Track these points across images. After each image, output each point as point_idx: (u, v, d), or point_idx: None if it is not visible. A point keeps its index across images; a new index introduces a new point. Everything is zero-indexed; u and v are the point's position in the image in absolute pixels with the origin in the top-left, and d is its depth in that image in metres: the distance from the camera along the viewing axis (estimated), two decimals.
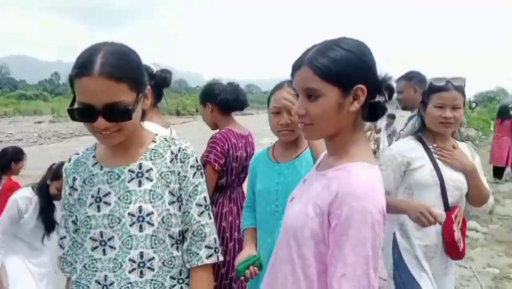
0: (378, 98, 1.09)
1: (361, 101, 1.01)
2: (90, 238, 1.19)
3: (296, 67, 1.06)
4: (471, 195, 1.98)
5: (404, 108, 3.19)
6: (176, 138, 1.31)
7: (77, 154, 1.33)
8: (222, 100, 2.30)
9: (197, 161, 1.27)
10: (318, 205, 1.01)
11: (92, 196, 1.20)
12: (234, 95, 2.33)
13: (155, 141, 1.27)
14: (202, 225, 1.24)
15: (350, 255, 0.93)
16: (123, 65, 1.10)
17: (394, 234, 2.00)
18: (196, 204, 1.24)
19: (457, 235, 1.90)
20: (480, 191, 1.97)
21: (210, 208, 1.29)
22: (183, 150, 1.25)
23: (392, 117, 10.36)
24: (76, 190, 1.25)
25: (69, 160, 1.33)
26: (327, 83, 0.99)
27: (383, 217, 0.97)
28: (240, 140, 2.31)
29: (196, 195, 1.24)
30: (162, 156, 1.24)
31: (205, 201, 1.27)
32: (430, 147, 1.97)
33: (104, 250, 1.18)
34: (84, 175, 1.25)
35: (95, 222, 1.17)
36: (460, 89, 1.91)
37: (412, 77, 3.11)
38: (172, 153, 1.24)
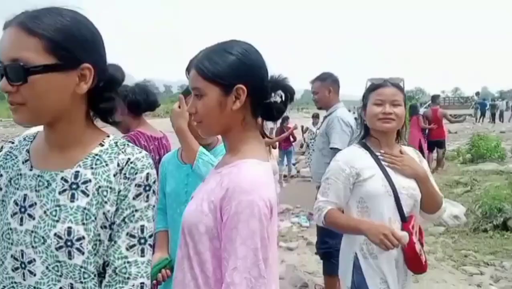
0: (274, 98, 1.16)
1: (242, 101, 1.07)
2: (11, 255, 0.94)
3: (189, 68, 1.17)
4: (424, 202, 1.86)
5: (320, 108, 3.31)
6: (131, 145, 1.03)
7: (12, 142, 1.06)
8: (131, 102, 2.22)
9: (147, 179, 0.98)
10: (212, 201, 1.05)
11: (16, 203, 0.95)
12: (143, 96, 2.26)
13: (102, 145, 1.00)
14: (128, 262, 0.95)
15: (241, 248, 0.98)
16: (49, 22, 0.88)
17: (355, 254, 1.82)
18: (128, 234, 0.96)
19: (418, 246, 1.79)
20: (433, 196, 1.86)
21: (148, 243, 0.99)
22: (131, 162, 0.97)
23: (317, 117, 10.80)
24: (1, 189, 0.99)
25: (0, 148, 1.07)
26: (209, 83, 1.06)
27: (270, 210, 1.03)
28: (151, 143, 2.24)
29: (131, 222, 0.96)
30: (106, 166, 0.97)
31: (142, 232, 0.97)
32: (378, 153, 1.85)
33: (24, 274, 0.93)
34: (12, 172, 0.99)
35: (17, 237, 0.93)
36: (399, 87, 1.87)
37: (326, 78, 3.23)
38: (118, 164, 0.97)
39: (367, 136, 1.93)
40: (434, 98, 10.19)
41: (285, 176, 11.05)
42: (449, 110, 31.41)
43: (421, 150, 9.51)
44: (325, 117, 3.22)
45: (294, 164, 11.86)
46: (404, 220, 1.76)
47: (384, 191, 1.76)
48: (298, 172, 11.50)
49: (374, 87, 1.87)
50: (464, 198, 6.70)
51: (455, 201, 6.38)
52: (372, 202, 1.79)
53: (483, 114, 28.82)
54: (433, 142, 9.56)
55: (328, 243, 3.19)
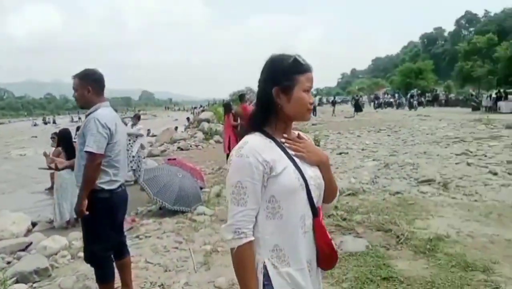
0: None
1: None
2: None
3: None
4: (326, 190, 1.65)
5: (81, 107, 3.19)
6: None
7: None
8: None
9: None
10: None
11: None
12: None
13: None
14: None
15: None
16: None
17: (264, 265, 1.51)
18: None
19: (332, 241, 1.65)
20: (333, 183, 1.69)
21: None
22: None
23: (138, 118, 10.63)
24: None
25: None
26: None
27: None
28: None
29: None
30: None
31: None
32: (281, 140, 1.57)
33: None
34: None
35: None
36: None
37: (85, 76, 3.13)
38: None
39: (268, 122, 1.58)
40: (242, 96, 10.78)
41: None
42: None
43: (229, 147, 10.19)
44: (86, 117, 3.12)
45: None
46: (316, 214, 1.57)
47: (298, 184, 1.51)
48: None
49: (303, 69, 1.53)
50: None
51: None
52: (285, 200, 1.50)
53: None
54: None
55: (92, 248, 3.18)
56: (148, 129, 25.45)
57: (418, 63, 49.21)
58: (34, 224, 7.31)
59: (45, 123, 56.56)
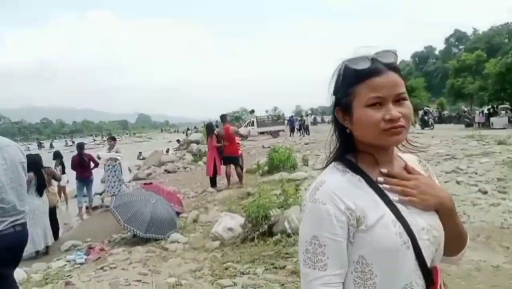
0: None
1: None
2: None
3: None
4: (448, 241, 1.18)
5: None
6: None
7: None
8: None
9: None
10: None
11: None
12: None
13: None
14: None
15: None
16: None
17: None
18: None
19: None
20: (459, 230, 1.20)
21: None
22: None
23: (113, 139, 10.32)
24: None
25: None
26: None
27: None
28: None
29: None
30: None
31: None
32: (379, 178, 1.13)
33: None
34: None
35: None
36: (397, 68, 1.12)
37: None
38: None
39: (351, 151, 1.16)
40: (223, 117, 10.56)
41: (87, 208, 10.18)
42: (266, 128, 34.70)
43: (215, 169, 9.91)
44: None
45: (99, 194, 11.05)
46: (430, 282, 1.11)
47: (400, 242, 1.05)
48: (102, 201, 10.69)
49: (362, 74, 1.07)
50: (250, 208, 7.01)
51: (238, 213, 6.67)
52: (381, 263, 1.07)
53: (292, 130, 32.34)
54: (228, 158, 9.96)
55: None
56: (140, 152, 25.17)
57: (410, 81, 49.51)
58: None
59: (40, 147, 56.06)
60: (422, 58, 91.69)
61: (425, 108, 33.37)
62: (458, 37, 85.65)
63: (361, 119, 1.06)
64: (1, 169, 2.87)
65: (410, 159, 1.24)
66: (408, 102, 1.07)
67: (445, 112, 40.82)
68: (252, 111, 38.65)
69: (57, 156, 10.66)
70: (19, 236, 2.97)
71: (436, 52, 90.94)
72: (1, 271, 2.99)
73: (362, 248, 1.06)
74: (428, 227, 1.09)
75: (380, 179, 1.11)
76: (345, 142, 1.16)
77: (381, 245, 1.04)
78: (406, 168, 1.17)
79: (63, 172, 10.78)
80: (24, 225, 3.04)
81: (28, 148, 53.45)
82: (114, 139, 10.34)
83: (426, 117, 29.30)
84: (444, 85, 47.53)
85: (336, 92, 1.14)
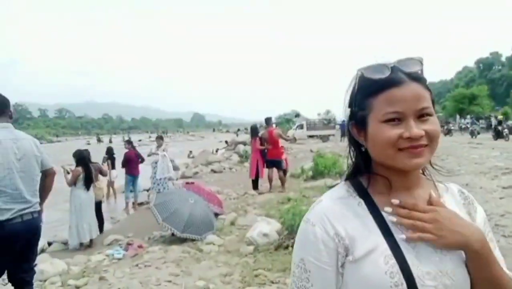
0: None
1: None
2: None
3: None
4: None
5: None
6: None
7: None
8: None
9: None
10: None
11: None
12: None
13: None
14: None
15: None
16: None
17: None
18: None
19: None
20: (496, 282, 0.93)
21: None
22: None
23: (161, 138, 10.55)
24: None
25: None
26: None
27: None
28: None
29: None
30: None
31: None
32: (386, 209, 0.95)
33: None
34: None
35: None
36: (421, 79, 0.94)
37: None
38: None
39: (364, 172, 1.01)
40: (267, 120, 10.49)
41: (133, 203, 10.53)
42: (316, 131, 34.23)
43: (257, 172, 9.86)
44: None
45: (146, 190, 11.38)
46: None
47: (390, 282, 0.87)
48: (148, 197, 11.00)
49: (379, 85, 0.93)
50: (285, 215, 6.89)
51: (276, 218, 6.57)
52: None
53: (343, 134, 31.62)
54: (270, 161, 9.88)
55: None
56: (190, 151, 25.74)
57: (472, 89, 46.86)
58: (50, 244, 7.30)
59: (99, 142, 58.70)
60: (486, 65, 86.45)
61: (499, 117, 29.88)
62: None
63: (376, 136, 0.92)
64: (14, 156, 3.04)
65: (446, 188, 1.04)
66: (434, 119, 0.91)
67: (510, 122, 38.07)
68: (298, 115, 38.15)
69: (108, 152, 11.13)
70: (26, 226, 3.07)
71: (503, 58, 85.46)
72: (21, 254, 3.13)
73: (350, 282, 0.91)
74: (436, 272, 0.89)
75: (388, 209, 0.93)
76: (360, 162, 1.01)
77: (367, 284, 0.88)
78: (430, 199, 0.96)
79: (113, 167, 11.22)
80: (34, 214, 3.15)
81: (89, 142, 56.44)
82: (161, 138, 10.59)
83: (500, 128, 25.45)
84: (509, 94, 44.48)
85: (351, 104, 1.00)
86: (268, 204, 8.40)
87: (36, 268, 5.17)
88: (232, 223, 6.94)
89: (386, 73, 0.91)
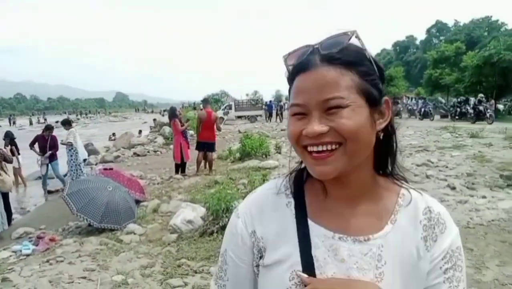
0: None
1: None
2: None
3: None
4: None
5: None
6: None
7: None
8: None
9: None
10: None
11: None
12: None
13: None
14: None
15: None
16: None
17: None
18: None
19: None
20: None
21: None
22: None
23: (67, 123, 9.77)
24: None
25: None
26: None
27: None
28: None
29: None
30: None
31: None
32: (312, 219, 0.81)
33: None
34: None
35: None
36: (337, 60, 0.73)
37: None
38: None
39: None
40: (205, 101, 10.26)
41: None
42: (244, 112, 34.29)
43: (181, 155, 9.58)
44: None
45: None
46: None
47: None
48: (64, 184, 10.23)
49: (291, 74, 0.78)
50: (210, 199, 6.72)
51: (202, 203, 6.36)
52: None
53: (270, 115, 32.08)
54: (203, 144, 9.58)
55: None
56: (113, 133, 24.44)
57: (389, 70, 49.76)
58: None
59: (11, 124, 53.66)
60: (402, 48, 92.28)
61: (480, 95, 24.34)
62: (439, 28, 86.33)
63: (287, 132, 0.78)
64: None
65: (409, 201, 0.81)
66: (348, 112, 0.70)
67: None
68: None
69: (7, 136, 10.04)
70: None
71: (417, 42, 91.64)
72: None
73: (260, 286, 0.83)
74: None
75: (312, 223, 0.79)
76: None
77: None
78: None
79: (18, 153, 10.22)
80: None
81: None
82: (68, 123, 9.77)
83: (481, 107, 21.60)
84: (422, 75, 47.89)
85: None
86: (194, 188, 8.16)
87: None
88: (155, 210, 6.62)
89: (299, 58, 0.76)
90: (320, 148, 0.72)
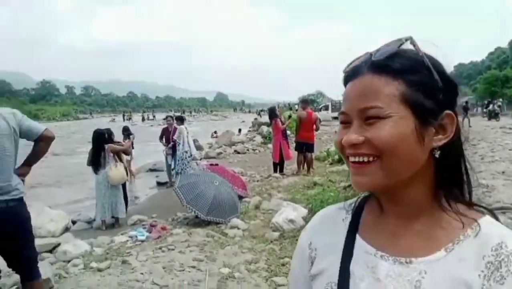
0: None
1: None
2: None
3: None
4: None
5: None
6: None
7: None
8: None
9: None
10: None
11: None
12: None
13: None
14: None
15: None
16: None
17: None
18: None
19: None
20: None
21: None
22: None
23: (179, 119, 10.34)
24: None
25: None
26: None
27: None
28: None
29: None
30: None
31: None
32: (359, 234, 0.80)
33: None
34: None
35: None
36: (383, 68, 0.68)
37: None
38: None
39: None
40: (305, 101, 10.28)
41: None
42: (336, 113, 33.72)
43: (281, 154, 9.65)
44: None
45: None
46: None
47: None
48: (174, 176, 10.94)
49: (344, 78, 0.76)
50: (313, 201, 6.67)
51: (302, 204, 6.36)
52: None
53: None
54: (302, 144, 9.59)
55: None
56: (215, 131, 25.66)
57: (505, 71, 44.96)
58: (74, 222, 7.31)
59: (129, 119, 57.82)
60: None
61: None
62: None
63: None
64: None
65: (475, 233, 0.69)
66: (386, 123, 0.66)
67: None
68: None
69: (125, 130, 11.01)
70: (9, 211, 2.76)
71: None
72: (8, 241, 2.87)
73: None
74: None
75: (360, 240, 0.78)
76: None
77: None
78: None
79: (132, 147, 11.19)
80: (9, 203, 2.78)
81: (114, 119, 57.15)
82: (179, 119, 10.39)
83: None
84: None
85: None
86: (293, 187, 8.19)
87: (59, 249, 5.19)
88: (257, 207, 6.77)
89: (354, 64, 0.73)
90: (357, 159, 0.69)
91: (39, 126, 2.99)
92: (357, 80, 0.70)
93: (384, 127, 0.66)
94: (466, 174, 0.74)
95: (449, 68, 0.70)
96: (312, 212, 5.26)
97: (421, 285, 0.68)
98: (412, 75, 0.67)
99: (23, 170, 2.99)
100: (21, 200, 2.88)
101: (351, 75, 0.72)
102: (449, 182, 0.73)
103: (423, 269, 0.68)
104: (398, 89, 0.66)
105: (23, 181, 2.94)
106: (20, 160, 3.02)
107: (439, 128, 0.68)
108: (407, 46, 0.69)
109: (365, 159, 0.68)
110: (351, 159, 0.70)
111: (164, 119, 10.68)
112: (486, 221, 0.70)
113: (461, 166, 0.73)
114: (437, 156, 0.70)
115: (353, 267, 0.75)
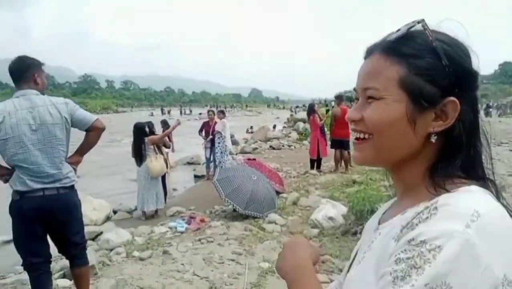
0: None
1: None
2: None
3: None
4: None
5: None
6: None
7: None
8: None
9: None
10: None
11: None
12: None
13: None
14: None
15: None
16: None
17: None
18: None
19: None
20: None
21: None
22: None
23: (222, 112, 10.40)
24: None
25: None
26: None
27: None
28: None
29: None
30: None
31: None
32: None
33: None
34: None
35: None
36: (389, 49, 0.70)
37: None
38: None
39: None
40: (340, 97, 9.93)
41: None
42: None
43: (318, 151, 9.51)
44: None
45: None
46: None
47: None
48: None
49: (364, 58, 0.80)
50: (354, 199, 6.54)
51: (342, 201, 6.25)
52: None
53: None
54: (338, 141, 9.39)
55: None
56: (251, 126, 25.73)
57: None
58: (115, 212, 7.50)
59: (168, 113, 58.18)
60: None
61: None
62: None
63: None
64: (28, 128, 2.74)
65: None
66: (379, 104, 0.69)
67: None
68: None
69: (165, 123, 11.16)
70: (48, 201, 2.81)
71: None
72: (45, 230, 2.94)
73: None
74: None
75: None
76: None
77: None
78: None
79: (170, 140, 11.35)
80: (60, 190, 2.84)
81: (152, 113, 58.30)
82: (223, 113, 10.48)
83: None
84: None
85: None
86: (331, 185, 8.06)
87: (102, 237, 5.34)
88: (294, 203, 6.71)
89: (374, 43, 0.76)
90: (356, 135, 0.74)
91: (90, 117, 3.02)
92: (369, 59, 0.73)
93: (376, 108, 0.69)
94: (476, 153, 0.71)
95: (474, 59, 0.69)
96: (352, 209, 5.14)
97: (371, 244, 0.73)
98: (416, 60, 0.67)
99: (75, 158, 3.04)
100: (72, 188, 2.95)
101: (367, 53, 0.75)
102: (448, 164, 0.69)
103: (380, 232, 0.73)
104: (398, 72, 0.68)
105: (75, 169, 3.00)
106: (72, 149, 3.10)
107: (441, 114, 0.67)
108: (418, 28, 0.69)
109: (361, 136, 0.73)
110: (353, 134, 0.75)
111: (200, 114, 10.75)
112: (454, 192, 0.63)
113: (462, 152, 0.69)
114: (433, 140, 0.68)
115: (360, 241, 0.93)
